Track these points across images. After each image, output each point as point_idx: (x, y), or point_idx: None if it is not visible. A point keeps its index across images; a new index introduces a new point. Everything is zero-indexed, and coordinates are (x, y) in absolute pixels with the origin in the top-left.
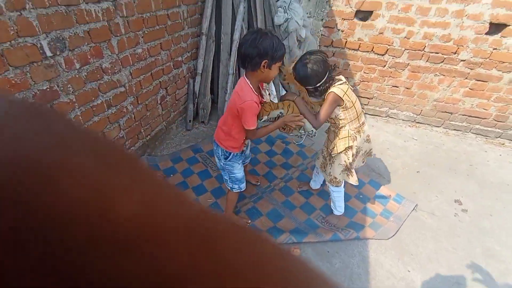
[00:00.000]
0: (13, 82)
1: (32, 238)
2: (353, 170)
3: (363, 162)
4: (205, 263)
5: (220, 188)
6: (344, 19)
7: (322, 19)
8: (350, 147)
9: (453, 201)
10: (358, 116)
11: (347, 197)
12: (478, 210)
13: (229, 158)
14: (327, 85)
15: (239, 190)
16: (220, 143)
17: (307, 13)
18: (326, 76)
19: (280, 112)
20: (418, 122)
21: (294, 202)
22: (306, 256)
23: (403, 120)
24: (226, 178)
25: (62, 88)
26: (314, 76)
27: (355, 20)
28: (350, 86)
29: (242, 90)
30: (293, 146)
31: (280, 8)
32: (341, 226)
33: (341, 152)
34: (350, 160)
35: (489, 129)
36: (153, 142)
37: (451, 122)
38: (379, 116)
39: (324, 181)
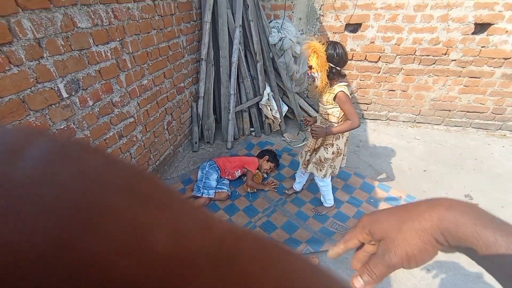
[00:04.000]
0: (34, 124)
1: (81, 281)
2: (325, 166)
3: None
4: (234, 285)
5: (233, 205)
6: (335, 33)
7: (314, 34)
8: (331, 145)
9: (464, 197)
10: (345, 119)
11: (357, 203)
12: (489, 203)
13: (213, 166)
14: (339, 73)
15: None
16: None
17: (300, 31)
18: (341, 65)
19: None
20: (418, 122)
21: (307, 212)
22: (324, 264)
23: (403, 121)
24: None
25: (77, 125)
26: (339, 57)
27: (346, 33)
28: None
29: (254, 160)
30: None
31: (273, 29)
32: None
33: (323, 145)
34: (327, 156)
35: (489, 122)
36: (162, 167)
37: (451, 119)
38: (379, 120)
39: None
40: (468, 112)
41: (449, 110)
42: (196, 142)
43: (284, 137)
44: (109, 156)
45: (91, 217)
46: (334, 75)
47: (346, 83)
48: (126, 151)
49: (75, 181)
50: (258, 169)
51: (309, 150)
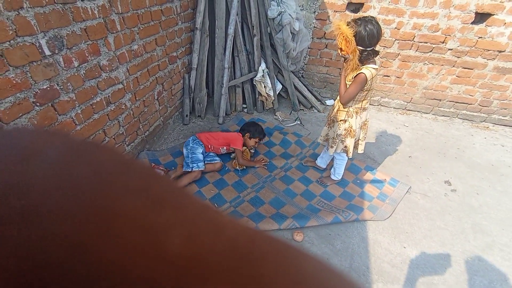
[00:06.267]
0: (14, 82)
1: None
2: (337, 142)
3: (361, 150)
4: (248, 287)
5: (222, 180)
6: (336, 11)
7: (314, 12)
8: (344, 121)
9: (443, 182)
10: (362, 100)
11: (344, 183)
12: (466, 190)
13: (196, 141)
14: (369, 56)
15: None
16: (201, 140)
17: (300, 6)
18: (373, 44)
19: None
20: (408, 110)
21: (294, 190)
22: (309, 239)
23: (394, 108)
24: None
25: (62, 87)
26: (368, 38)
27: (347, 12)
28: (377, 73)
29: (239, 137)
30: (291, 136)
31: (273, 2)
32: (341, 208)
33: (338, 120)
34: (338, 132)
35: (475, 114)
36: (151, 138)
37: (440, 109)
38: (372, 105)
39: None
40: (457, 102)
41: (439, 100)
42: (187, 115)
43: (276, 115)
44: (124, 157)
45: (106, 221)
46: (367, 56)
47: (376, 66)
48: (114, 119)
49: (90, 184)
50: (244, 145)
51: (327, 123)
